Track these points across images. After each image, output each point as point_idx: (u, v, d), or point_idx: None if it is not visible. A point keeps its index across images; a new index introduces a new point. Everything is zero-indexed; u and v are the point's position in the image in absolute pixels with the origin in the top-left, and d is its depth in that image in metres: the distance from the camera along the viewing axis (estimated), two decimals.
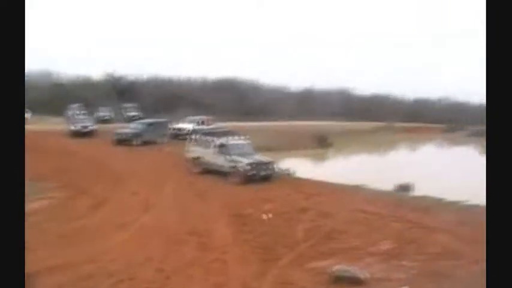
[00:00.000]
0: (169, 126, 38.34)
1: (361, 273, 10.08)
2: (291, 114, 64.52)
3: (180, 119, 41.26)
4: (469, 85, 79.25)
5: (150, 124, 36.40)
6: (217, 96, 61.21)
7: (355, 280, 9.78)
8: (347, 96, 78.17)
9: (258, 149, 35.16)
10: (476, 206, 18.81)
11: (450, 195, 19.83)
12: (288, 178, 24.06)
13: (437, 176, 25.87)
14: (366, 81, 78.25)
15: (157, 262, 10.99)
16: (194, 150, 24.67)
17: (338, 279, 9.79)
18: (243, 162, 22.04)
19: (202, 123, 40.73)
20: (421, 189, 21.62)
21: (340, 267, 10.19)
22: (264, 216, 15.72)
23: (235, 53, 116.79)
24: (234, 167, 22.19)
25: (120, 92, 60.24)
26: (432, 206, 18.79)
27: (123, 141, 33.82)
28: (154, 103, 55.91)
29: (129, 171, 23.63)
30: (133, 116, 48.24)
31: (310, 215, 16.28)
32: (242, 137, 24.74)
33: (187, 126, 39.82)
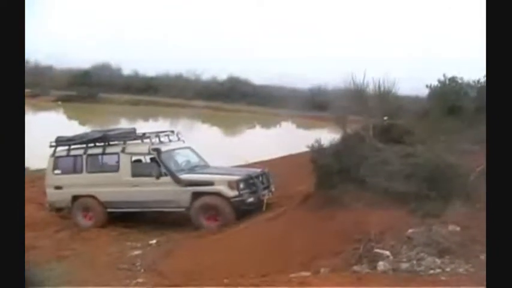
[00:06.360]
0: None
1: None
2: None
3: None
4: None
5: None
6: None
7: None
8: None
9: None
10: None
11: None
12: None
13: None
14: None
15: None
16: (69, 183, 12.21)
17: None
18: (224, 179, 11.24)
19: None
20: None
21: None
22: None
23: None
24: (197, 197, 11.13)
25: None
26: None
27: None
28: None
29: None
30: None
31: None
32: (172, 135, 12.83)
33: None
